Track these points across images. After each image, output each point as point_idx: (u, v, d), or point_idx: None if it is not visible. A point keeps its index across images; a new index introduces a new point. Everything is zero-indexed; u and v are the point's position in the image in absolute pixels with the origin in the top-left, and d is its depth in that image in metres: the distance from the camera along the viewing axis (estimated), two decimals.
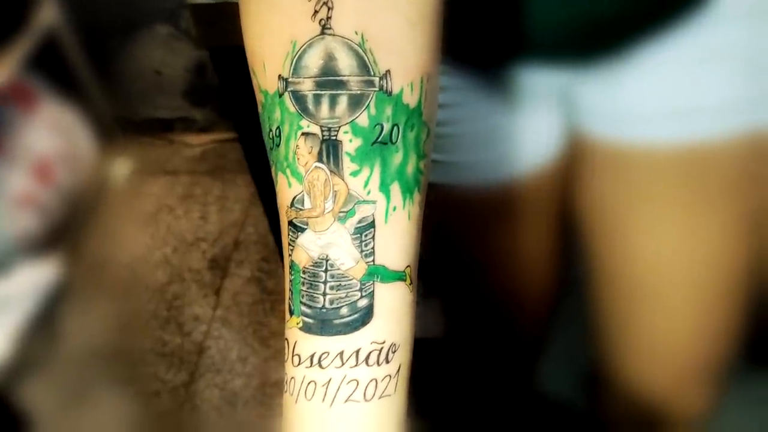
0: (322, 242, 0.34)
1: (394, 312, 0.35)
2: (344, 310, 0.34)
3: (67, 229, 1.58)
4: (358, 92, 0.33)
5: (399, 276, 0.35)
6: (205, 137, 1.78)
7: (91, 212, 1.65)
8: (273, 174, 0.36)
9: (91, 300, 1.51)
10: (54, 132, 1.58)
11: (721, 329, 0.69)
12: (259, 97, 0.36)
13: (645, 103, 0.59)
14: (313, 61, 0.33)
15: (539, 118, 0.64)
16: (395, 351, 0.35)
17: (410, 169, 0.35)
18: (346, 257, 0.34)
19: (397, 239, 0.35)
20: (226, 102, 1.01)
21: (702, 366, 0.71)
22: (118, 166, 1.74)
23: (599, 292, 0.74)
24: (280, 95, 0.34)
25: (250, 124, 1.05)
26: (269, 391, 1.36)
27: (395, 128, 0.34)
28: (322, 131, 0.33)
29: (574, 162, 0.67)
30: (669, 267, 0.66)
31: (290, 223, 0.35)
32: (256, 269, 1.55)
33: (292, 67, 0.33)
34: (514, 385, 0.95)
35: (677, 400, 0.74)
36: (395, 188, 0.34)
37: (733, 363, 0.71)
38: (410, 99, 0.34)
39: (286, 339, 0.36)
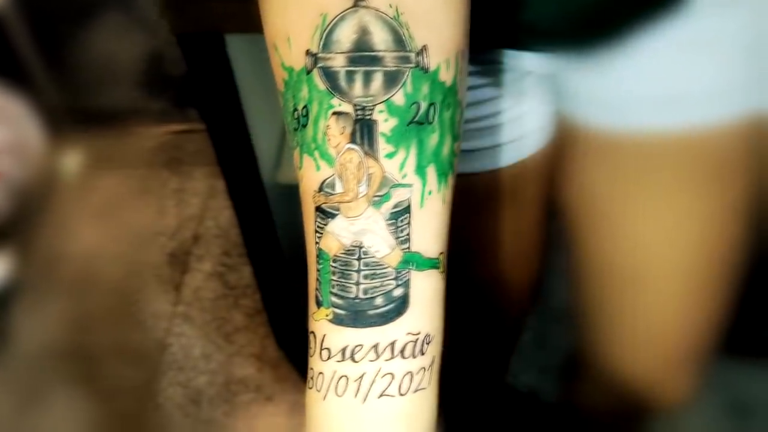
0: (356, 228, 0.32)
1: (428, 301, 0.33)
2: (379, 300, 0.32)
3: (17, 224, 1.52)
4: (394, 69, 0.31)
5: (433, 263, 0.33)
6: (160, 129, 1.73)
7: (41, 207, 1.59)
8: (296, 157, 0.34)
9: (45, 297, 1.46)
10: (1, 123, 1.51)
11: (707, 317, 0.69)
12: (281, 75, 0.33)
13: (636, 90, 0.59)
14: (346, 36, 0.31)
15: (530, 106, 0.63)
16: (429, 342, 0.33)
17: (446, 150, 0.33)
18: (381, 244, 0.32)
19: (432, 225, 0.33)
20: (193, 91, 0.97)
21: (687, 354, 0.71)
22: (69, 159, 1.68)
23: (586, 280, 0.73)
24: (308, 72, 0.32)
25: (218, 113, 1.02)
26: (234, 388, 1.33)
27: (432, 107, 0.32)
28: (356, 110, 0.31)
29: (563, 150, 0.67)
30: (659, 254, 0.66)
31: (318, 208, 0.33)
32: (218, 264, 1.51)
33: (322, 42, 0.31)
34: (493, 375, 0.94)
35: (660, 387, 0.74)
36: (431, 171, 0.33)
37: (714, 351, 0.72)
38: (446, 77, 0.33)
39: (312, 332, 0.34)
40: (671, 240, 0.65)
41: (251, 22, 0.96)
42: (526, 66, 0.59)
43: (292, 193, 1.32)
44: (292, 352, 1.35)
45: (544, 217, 0.74)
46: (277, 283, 1.27)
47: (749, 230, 0.66)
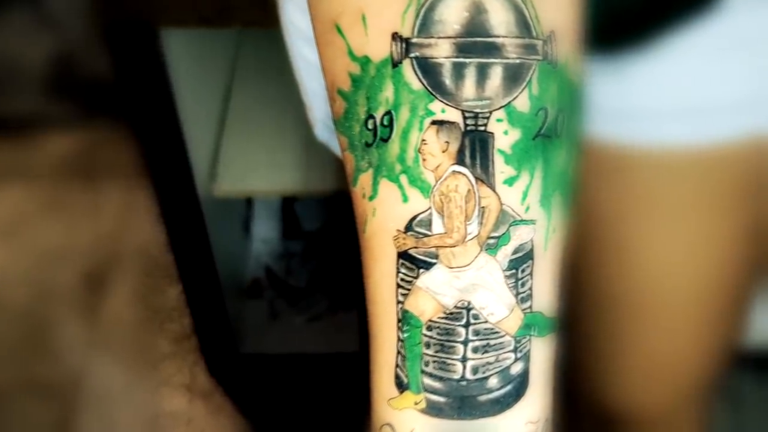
0: (463, 284, 0.23)
1: (546, 376, 0.25)
2: (493, 381, 0.23)
3: None
4: (517, 61, 0.23)
5: (552, 325, 0.25)
6: (70, 137, 1.59)
7: None
8: (364, 182, 0.24)
9: None
10: None
11: (721, 345, 0.64)
12: (347, 67, 0.24)
13: (656, 98, 0.53)
14: (454, 14, 0.22)
15: None
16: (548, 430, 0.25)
17: (571, 172, 0.25)
18: (497, 304, 0.23)
19: (553, 274, 0.25)
20: (121, 92, 0.86)
21: (699, 385, 0.67)
22: None
23: (586, 307, 0.67)
24: (395, 64, 0.23)
25: (149, 117, 0.90)
26: (163, 422, 1.24)
27: (560, 115, 0.24)
28: (466, 119, 0.23)
29: None
30: (675, 280, 0.61)
31: (404, 255, 0.24)
32: (139, 285, 1.40)
33: (418, 22, 0.23)
34: None
35: (670, 422, 0.69)
36: (556, 201, 0.24)
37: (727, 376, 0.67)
38: (574, 74, 0.24)
39: (389, 425, 0.25)
40: (686, 264, 0.60)
41: (189, 16, 0.85)
42: None
43: (227, 207, 1.20)
44: (225, 380, 1.26)
45: None
46: (210, 306, 1.18)
47: (764, 250, 0.62)
